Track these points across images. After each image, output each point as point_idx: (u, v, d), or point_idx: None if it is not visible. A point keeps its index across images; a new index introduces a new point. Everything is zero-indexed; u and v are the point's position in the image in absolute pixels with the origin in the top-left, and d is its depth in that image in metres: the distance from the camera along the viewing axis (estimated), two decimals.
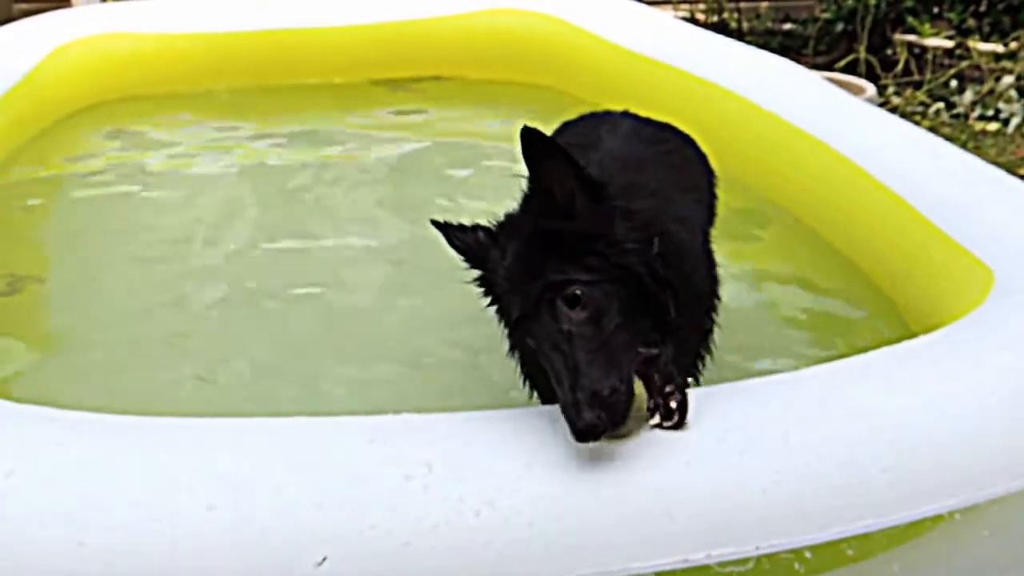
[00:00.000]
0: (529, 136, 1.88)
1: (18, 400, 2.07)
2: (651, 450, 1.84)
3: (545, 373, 1.92)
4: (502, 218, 2.07)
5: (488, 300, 2.11)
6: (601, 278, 1.90)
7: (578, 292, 1.88)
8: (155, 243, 3.85)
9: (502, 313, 2.08)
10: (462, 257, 2.10)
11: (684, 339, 2.06)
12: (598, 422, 1.76)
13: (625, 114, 2.62)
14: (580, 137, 2.44)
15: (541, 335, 1.90)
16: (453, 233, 2.10)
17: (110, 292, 3.48)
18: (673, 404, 1.89)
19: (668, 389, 1.89)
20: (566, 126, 2.67)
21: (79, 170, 4.56)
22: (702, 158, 2.66)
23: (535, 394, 2.25)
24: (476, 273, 2.11)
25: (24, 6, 7.20)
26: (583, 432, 1.75)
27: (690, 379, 2.26)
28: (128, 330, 3.24)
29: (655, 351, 1.91)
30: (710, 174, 2.65)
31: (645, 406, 1.89)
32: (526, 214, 2.01)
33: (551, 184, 1.93)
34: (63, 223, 4.07)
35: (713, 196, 2.63)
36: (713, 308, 2.34)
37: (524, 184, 1.98)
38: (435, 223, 2.13)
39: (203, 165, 4.57)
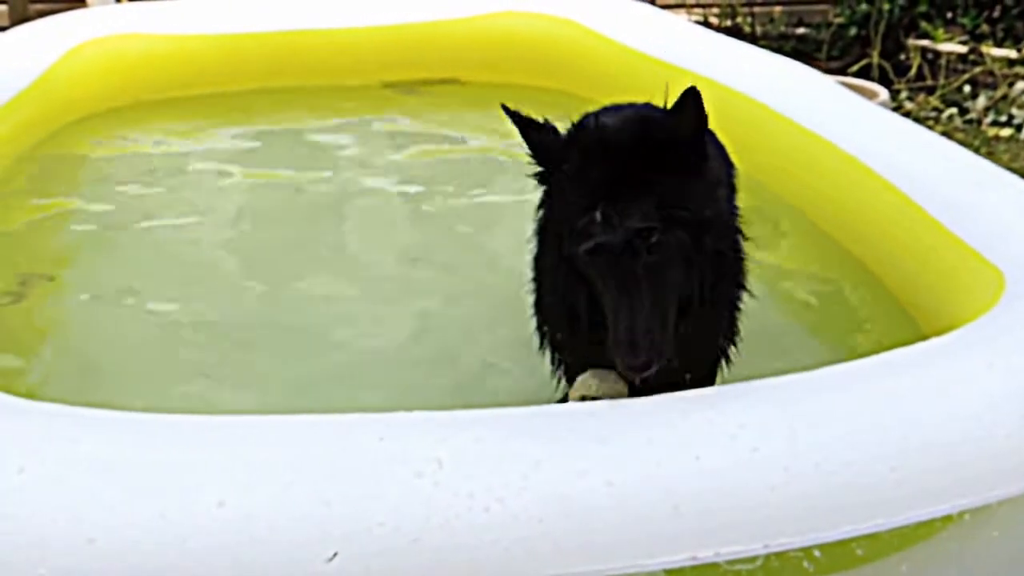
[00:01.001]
0: (694, 92, 2.03)
1: (28, 397, 2.08)
2: (660, 447, 1.85)
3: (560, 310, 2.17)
4: (581, 120, 2.17)
5: (542, 192, 2.20)
6: (677, 233, 2.01)
7: (661, 240, 1.99)
8: (165, 244, 3.86)
9: (557, 211, 2.15)
10: (532, 151, 2.15)
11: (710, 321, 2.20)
12: (648, 358, 1.95)
13: (647, 106, 2.64)
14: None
15: (609, 267, 2.00)
16: (528, 127, 2.14)
17: (118, 291, 3.49)
18: None
19: None
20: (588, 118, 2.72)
21: (91, 170, 4.57)
22: (721, 150, 2.69)
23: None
24: (537, 169, 2.17)
25: (40, 6, 7.23)
26: (638, 367, 1.96)
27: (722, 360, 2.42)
28: (137, 328, 3.25)
29: None
30: (729, 166, 2.68)
31: None
32: (628, 127, 2.12)
33: (683, 126, 2.05)
34: (74, 222, 4.08)
35: (732, 189, 2.65)
36: (740, 293, 2.43)
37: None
38: (506, 110, 2.17)
39: (215, 167, 4.58)
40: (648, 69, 4.74)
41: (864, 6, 7.17)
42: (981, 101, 6.50)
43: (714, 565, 1.78)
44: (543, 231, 2.28)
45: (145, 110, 5.13)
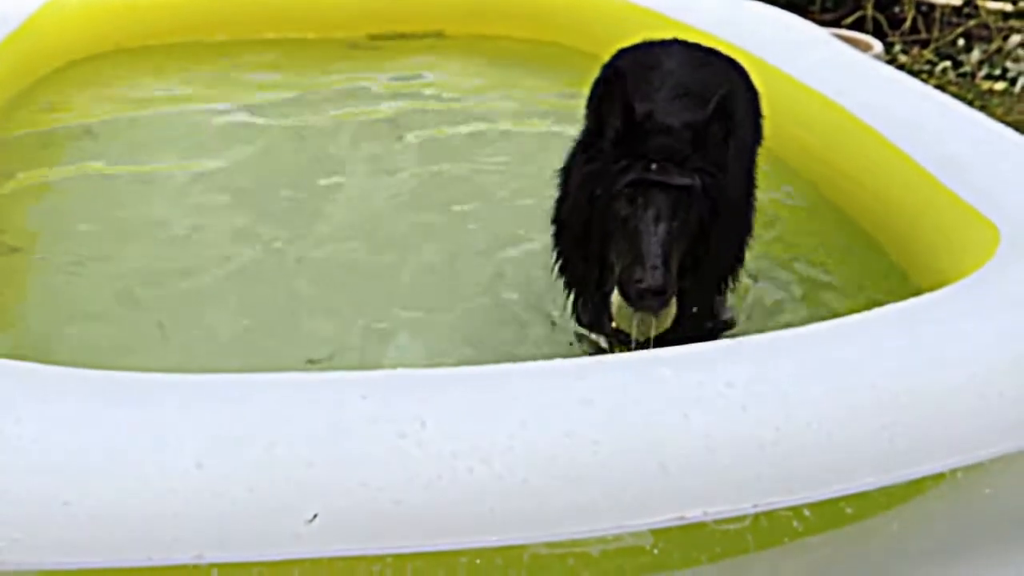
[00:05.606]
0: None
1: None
2: (647, 405, 1.82)
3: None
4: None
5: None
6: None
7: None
8: (147, 195, 3.80)
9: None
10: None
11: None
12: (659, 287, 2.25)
13: (676, 41, 2.98)
14: (641, 59, 2.87)
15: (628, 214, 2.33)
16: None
17: (99, 247, 3.43)
18: None
19: None
20: (624, 52, 3.04)
21: (70, 123, 4.51)
22: (744, 77, 2.93)
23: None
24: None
25: None
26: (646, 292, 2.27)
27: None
28: (117, 286, 3.20)
29: None
30: (754, 93, 2.90)
31: None
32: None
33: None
34: (51, 178, 4.02)
35: (759, 115, 2.89)
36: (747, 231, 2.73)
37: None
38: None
39: (196, 119, 4.52)
40: (637, 19, 4.69)
41: None
42: (975, 54, 6.46)
43: (702, 525, 1.76)
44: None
45: (126, 58, 5.06)
